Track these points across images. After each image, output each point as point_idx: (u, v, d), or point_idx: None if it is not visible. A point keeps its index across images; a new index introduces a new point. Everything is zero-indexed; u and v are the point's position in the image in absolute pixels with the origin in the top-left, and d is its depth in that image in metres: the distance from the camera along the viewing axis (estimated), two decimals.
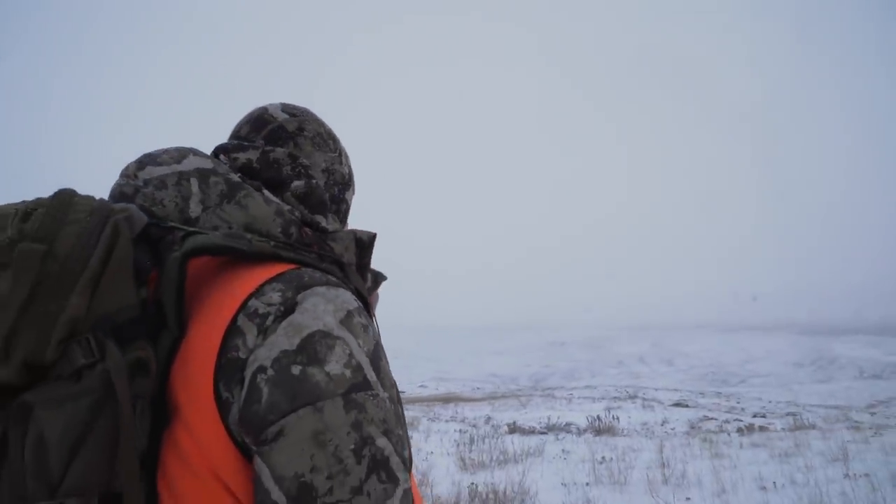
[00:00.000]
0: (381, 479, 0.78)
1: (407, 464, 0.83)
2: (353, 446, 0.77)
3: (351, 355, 0.82)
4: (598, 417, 11.95)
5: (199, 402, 0.80)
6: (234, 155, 1.07)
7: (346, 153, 1.26)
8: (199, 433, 0.80)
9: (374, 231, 1.12)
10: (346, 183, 1.23)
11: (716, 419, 19.23)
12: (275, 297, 0.83)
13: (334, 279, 0.91)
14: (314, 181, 1.10)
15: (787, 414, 18.76)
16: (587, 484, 6.69)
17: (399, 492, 0.80)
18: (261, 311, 0.82)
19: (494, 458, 8.40)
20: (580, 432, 11.35)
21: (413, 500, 0.84)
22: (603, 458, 7.92)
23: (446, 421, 14.69)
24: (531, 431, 11.58)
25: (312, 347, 0.80)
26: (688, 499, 5.88)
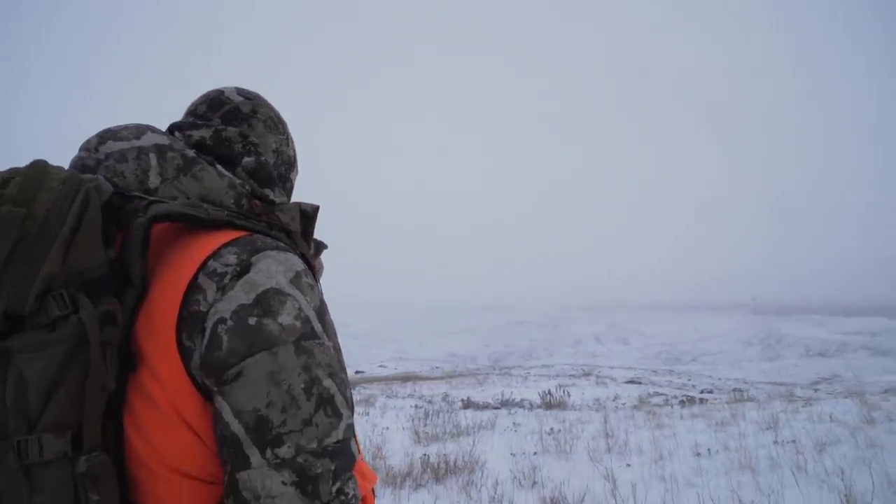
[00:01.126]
0: (327, 414, 0.91)
1: (349, 403, 0.98)
2: (303, 385, 0.89)
3: (300, 309, 0.94)
4: (549, 392, 12.31)
5: (163, 350, 0.91)
6: (189, 132, 1.19)
7: (292, 137, 1.38)
8: (163, 376, 0.90)
9: (316, 204, 1.26)
10: (292, 164, 1.36)
11: (665, 395, 19.89)
12: (231, 258, 0.95)
13: (283, 245, 1.04)
14: (263, 158, 1.22)
15: (734, 390, 19.48)
16: (535, 453, 6.96)
17: (342, 425, 0.93)
18: (219, 270, 0.93)
19: (448, 431, 8.63)
20: (532, 407, 11.69)
21: (355, 434, 1.00)
22: (551, 429, 8.22)
23: (403, 398, 14.90)
24: (485, 407, 11.87)
25: (267, 302, 0.91)
26: (628, 465, 6.19)
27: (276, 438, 0.86)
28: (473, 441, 7.25)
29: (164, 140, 1.10)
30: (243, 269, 0.94)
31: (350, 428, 0.95)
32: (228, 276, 0.93)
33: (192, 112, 1.27)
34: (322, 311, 1.00)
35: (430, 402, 13.18)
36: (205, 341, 0.90)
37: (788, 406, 8.67)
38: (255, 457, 0.85)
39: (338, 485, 0.89)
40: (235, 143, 1.20)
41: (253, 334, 0.89)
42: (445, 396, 16.30)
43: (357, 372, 41.68)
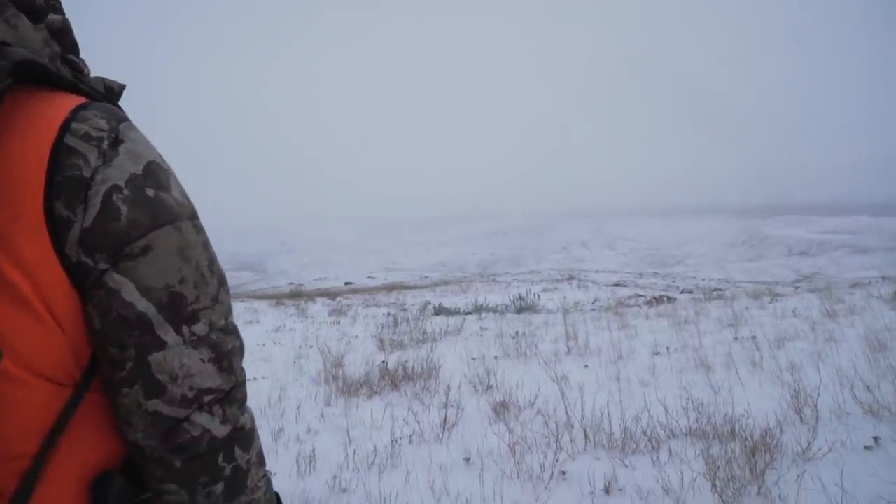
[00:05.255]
0: (226, 292, 0.90)
1: None
2: (207, 262, 0.86)
3: (181, 187, 0.89)
4: (520, 297, 12.30)
5: (24, 221, 0.75)
6: None
7: None
8: (22, 252, 0.75)
9: (123, 82, 1.07)
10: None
11: (644, 296, 20.07)
12: (101, 122, 0.82)
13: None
14: (68, 18, 1.01)
15: (714, 290, 19.67)
16: (495, 357, 6.92)
17: (232, 304, 0.93)
18: (93, 134, 0.81)
19: (414, 338, 8.59)
20: (504, 312, 11.68)
21: None
22: (516, 333, 8.18)
23: (380, 307, 14.89)
24: (456, 312, 11.85)
25: (155, 174, 0.84)
26: (586, 366, 6.14)
27: (192, 315, 0.83)
28: (431, 347, 7.19)
29: None
30: (118, 137, 0.83)
31: None
32: (106, 142, 0.81)
33: None
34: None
35: (404, 309, 13.17)
36: (93, 211, 0.78)
37: (754, 303, 8.65)
38: (169, 336, 0.81)
39: (241, 361, 0.91)
40: None
41: (155, 206, 0.82)
42: (426, 305, 16.37)
43: (346, 283, 41.96)
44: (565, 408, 4.54)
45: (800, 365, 4.80)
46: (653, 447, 3.90)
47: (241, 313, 13.14)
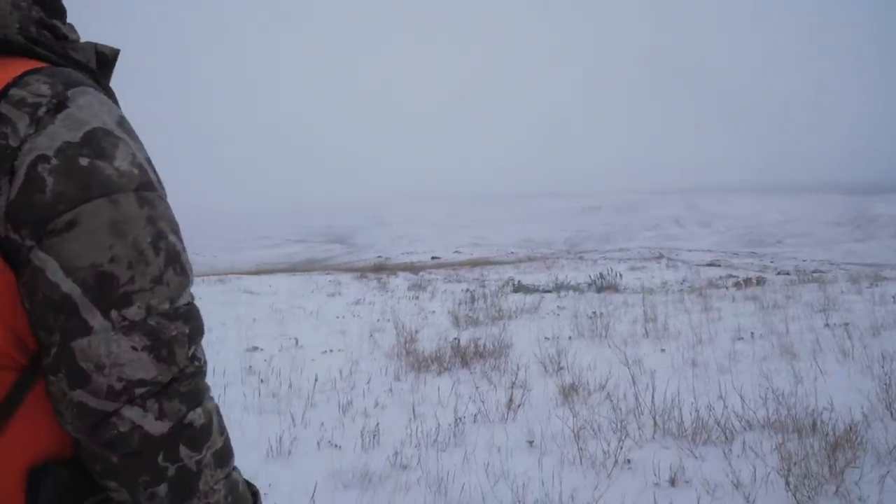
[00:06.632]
0: (176, 272, 0.81)
1: (191, 266, 0.87)
2: (150, 239, 0.78)
3: (134, 156, 0.81)
4: (601, 275, 12.00)
5: None
6: None
7: None
8: None
9: (117, 48, 1.02)
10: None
11: (736, 277, 19.19)
12: (43, 88, 0.78)
13: (95, 84, 0.86)
14: None
15: (814, 272, 18.58)
16: (569, 338, 6.78)
17: (190, 287, 0.84)
18: (29, 100, 0.76)
19: (490, 315, 8.55)
20: (584, 290, 11.44)
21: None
22: (594, 313, 7.98)
23: (459, 282, 14.92)
24: (535, 290, 11.71)
25: (97, 142, 0.77)
26: (662, 350, 5.93)
27: (124, 297, 0.75)
28: (505, 325, 7.11)
29: None
30: (60, 103, 0.77)
31: (191, 293, 0.86)
32: (43, 109, 0.76)
33: None
34: (152, 164, 0.86)
35: (483, 286, 13.13)
36: (18, 182, 0.74)
37: (852, 287, 8.08)
38: (96, 320, 0.74)
39: (192, 349, 0.82)
40: None
41: (87, 177, 0.75)
42: (509, 281, 16.23)
43: (433, 258, 42.34)
44: (635, 393, 4.39)
45: (894, 356, 4.44)
46: (726, 438, 3.71)
47: (324, 286, 13.49)
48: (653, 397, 4.24)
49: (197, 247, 52.69)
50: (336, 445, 4.10)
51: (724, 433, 3.74)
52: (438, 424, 4.25)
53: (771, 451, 3.43)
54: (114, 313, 0.75)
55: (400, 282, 14.93)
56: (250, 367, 6.17)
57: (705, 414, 3.94)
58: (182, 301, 0.81)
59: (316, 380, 5.38)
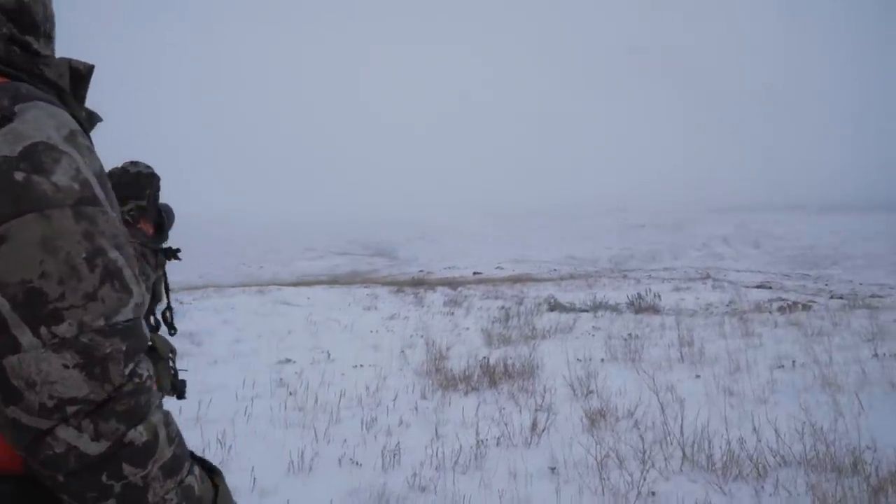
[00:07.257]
0: (115, 289, 0.80)
1: (140, 280, 0.86)
2: (84, 255, 0.77)
3: (78, 170, 0.81)
4: (639, 295, 11.73)
5: None
6: None
7: None
8: None
9: (91, 63, 1.04)
10: (54, 23, 1.13)
11: (787, 300, 18.57)
12: None
13: (54, 100, 0.87)
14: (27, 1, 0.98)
15: (872, 296, 17.85)
16: (602, 360, 6.62)
17: (132, 303, 0.82)
18: None
19: (523, 334, 8.43)
20: (622, 311, 11.20)
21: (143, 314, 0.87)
22: (629, 335, 7.79)
23: (496, 299, 14.79)
24: (571, 309, 11.51)
25: (37, 157, 0.77)
26: (697, 376, 5.73)
27: (54, 314, 0.75)
28: (535, 345, 6.99)
29: None
30: (5, 117, 0.79)
31: (140, 308, 0.84)
32: None
33: None
34: (104, 178, 0.87)
35: (520, 303, 12.97)
36: None
37: None
38: (25, 337, 0.74)
39: (130, 367, 0.80)
40: None
41: (19, 192, 0.75)
42: (547, 299, 16.00)
43: (475, 273, 42.24)
44: (664, 421, 4.23)
45: None
46: (758, 474, 3.54)
47: (361, 299, 13.51)
48: (682, 426, 4.08)
49: (246, 257, 53.69)
50: (357, 463, 4.06)
51: (757, 469, 3.56)
52: (460, 446, 4.17)
53: (806, 491, 3.26)
54: (43, 330, 0.74)
55: (437, 297, 14.87)
56: (280, 379, 6.19)
57: (737, 447, 3.78)
58: (120, 317, 0.80)
59: (342, 395, 5.35)
